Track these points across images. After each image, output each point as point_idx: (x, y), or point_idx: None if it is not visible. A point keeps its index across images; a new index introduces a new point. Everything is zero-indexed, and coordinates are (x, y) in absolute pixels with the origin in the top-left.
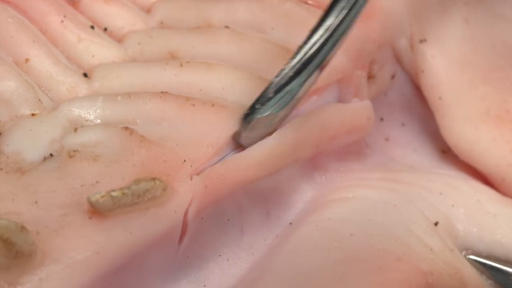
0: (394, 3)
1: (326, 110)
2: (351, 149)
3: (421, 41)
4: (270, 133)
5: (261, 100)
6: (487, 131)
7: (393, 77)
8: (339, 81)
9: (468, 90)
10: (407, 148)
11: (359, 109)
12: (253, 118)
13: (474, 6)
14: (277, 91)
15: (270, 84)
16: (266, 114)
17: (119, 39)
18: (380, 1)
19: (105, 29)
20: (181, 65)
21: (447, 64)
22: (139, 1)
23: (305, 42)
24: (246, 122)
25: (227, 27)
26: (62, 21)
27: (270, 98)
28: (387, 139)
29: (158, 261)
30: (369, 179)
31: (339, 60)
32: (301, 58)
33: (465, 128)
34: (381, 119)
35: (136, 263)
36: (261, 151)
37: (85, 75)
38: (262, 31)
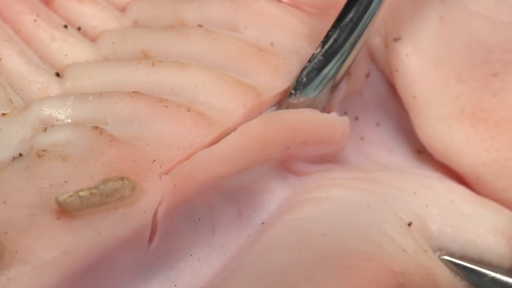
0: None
1: (299, 112)
2: (322, 161)
3: (395, 40)
4: None
5: (296, 85)
6: (462, 130)
7: (367, 75)
8: None
9: (443, 89)
10: (383, 148)
11: (334, 121)
12: (289, 103)
13: (449, 4)
14: (308, 76)
15: (303, 69)
16: (301, 98)
17: (92, 39)
18: None
19: (79, 28)
20: (153, 64)
21: (422, 63)
22: (113, 0)
23: (334, 26)
24: (285, 104)
25: (200, 26)
26: (35, 20)
27: (304, 83)
28: (362, 138)
29: (128, 261)
30: (343, 178)
31: None
32: (332, 43)
33: (440, 127)
34: (356, 118)
35: (105, 263)
36: (228, 146)
37: (58, 74)
38: (236, 30)
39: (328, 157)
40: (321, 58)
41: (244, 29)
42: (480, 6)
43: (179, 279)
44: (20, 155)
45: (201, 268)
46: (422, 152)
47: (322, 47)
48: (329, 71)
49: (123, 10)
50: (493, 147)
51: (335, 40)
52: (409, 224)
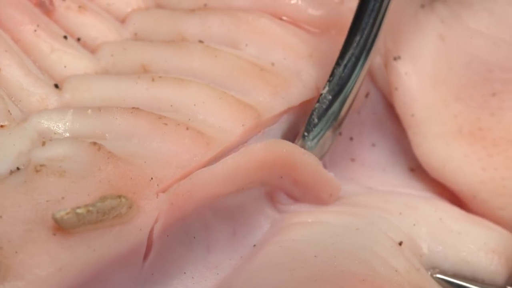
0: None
1: (304, 154)
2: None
3: (395, 59)
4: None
5: (308, 127)
6: (460, 148)
7: (366, 95)
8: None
9: (441, 107)
10: (376, 168)
11: (328, 182)
12: (304, 146)
13: (450, 22)
14: (319, 116)
15: (313, 110)
16: (315, 139)
17: (92, 50)
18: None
19: (79, 39)
20: (153, 80)
21: (421, 81)
22: (113, 11)
23: (338, 64)
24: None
25: (201, 41)
26: (35, 31)
27: (316, 124)
28: (353, 160)
29: (123, 279)
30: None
31: (311, 78)
32: (337, 81)
33: (437, 145)
34: (351, 139)
35: (100, 280)
36: (227, 166)
37: (57, 86)
38: (236, 47)
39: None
40: (329, 97)
41: (245, 46)
42: (480, 24)
43: None
44: (18, 168)
45: (194, 286)
46: (415, 171)
47: (329, 85)
48: (336, 108)
49: (123, 21)
50: (490, 165)
51: (340, 77)
52: (400, 244)
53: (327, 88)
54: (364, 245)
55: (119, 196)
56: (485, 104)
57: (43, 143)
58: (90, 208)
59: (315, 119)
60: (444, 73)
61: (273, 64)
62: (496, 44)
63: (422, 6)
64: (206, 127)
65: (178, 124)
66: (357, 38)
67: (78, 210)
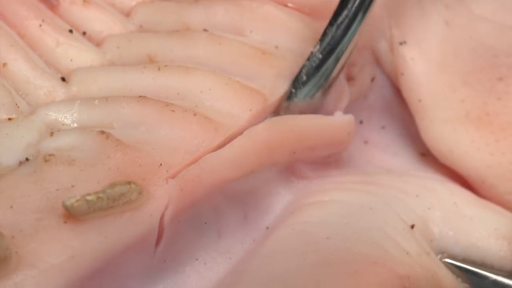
0: (374, 5)
1: (305, 118)
2: (329, 160)
3: (401, 44)
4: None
5: (296, 84)
6: (467, 133)
7: (373, 79)
8: None
9: (448, 93)
10: (387, 151)
11: (340, 123)
12: (290, 102)
13: (454, 8)
14: (308, 74)
15: (302, 68)
16: (302, 97)
17: (97, 43)
18: None
19: (84, 33)
20: (158, 69)
21: (427, 67)
22: (118, 5)
23: (331, 23)
24: (285, 106)
25: (205, 30)
26: (40, 25)
27: (304, 81)
28: (366, 142)
29: (135, 265)
30: (346, 182)
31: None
32: (329, 40)
33: (445, 130)
34: (361, 122)
35: (112, 267)
36: (234, 150)
37: (63, 79)
38: (241, 34)
39: (333, 157)
40: (320, 56)
41: (250, 33)
42: (485, 10)
43: (184, 283)
44: (27, 159)
45: (207, 272)
46: (426, 155)
47: (320, 45)
48: (327, 68)
49: (128, 14)
50: (498, 150)
51: (332, 37)
52: (412, 227)
53: (317, 47)
54: (377, 226)
55: (129, 183)
56: (491, 88)
57: (51, 134)
58: (100, 195)
59: (304, 77)
60: (450, 58)
61: (277, 47)
62: (501, 30)
63: None
64: (213, 113)
65: (185, 111)
66: (351, 1)
67: (88, 197)
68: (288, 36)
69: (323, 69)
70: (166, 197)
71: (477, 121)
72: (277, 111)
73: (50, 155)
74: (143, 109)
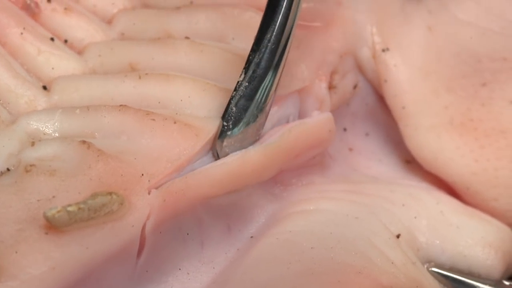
0: (356, 11)
1: (291, 131)
2: (313, 162)
3: (383, 50)
4: (247, 145)
5: (227, 116)
6: (451, 140)
7: (355, 87)
8: (299, 91)
9: (432, 99)
10: (372, 159)
11: (321, 122)
12: (225, 138)
13: (437, 13)
14: (237, 104)
15: (231, 99)
16: (237, 131)
17: (79, 51)
18: (341, 10)
19: (66, 41)
20: (139, 77)
21: (410, 73)
22: (100, 13)
23: (253, 50)
24: (220, 142)
25: (187, 38)
26: (21, 33)
27: (234, 113)
28: (350, 149)
29: (117, 276)
30: (331, 191)
31: (299, 69)
32: (254, 68)
33: (429, 137)
34: (344, 129)
35: (94, 278)
36: (223, 170)
37: (45, 87)
38: (223, 41)
39: (317, 158)
40: (247, 84)
41: (232, 40)
42: (468, 14)
43: None
44: (8, 169)
45: (190, 282)
46: (411, 163)
47: (245, 73)
48: (260, 97)
49: (109, 22)
50: (482, 157)
51: (257, 64)
52: (398, 236)
53: (243, 75)
54: (362, 235)
55: (110, 193)
56: (475, 94)
57: (33, 144)
58: (81, 206)
59: (233, 108)
60: (433, 64)
61: None
62: (485, 34)
63: None
64: (193, 119)
65: (166, 119)
66: (272, 23)
67: (69, 208)
68: None
69: (255, 99)
70: (148, 208)
71: (461, 127)
72: (213, 149)
73: (31, 165)
74: (124, 118)
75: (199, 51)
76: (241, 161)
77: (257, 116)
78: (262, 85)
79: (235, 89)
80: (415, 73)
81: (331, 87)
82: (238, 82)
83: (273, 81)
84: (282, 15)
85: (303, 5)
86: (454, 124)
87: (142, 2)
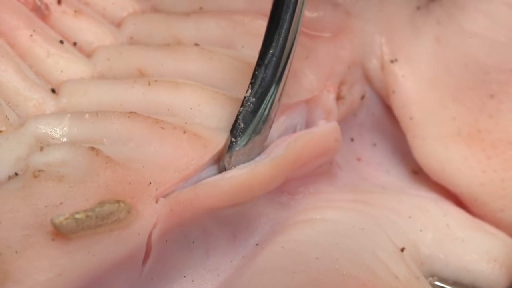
0: (365, 22)
1: (297, 142)
2: (320, 171)
3: (392, 61)
4: (253, 157)
5: (235, 132)
6: (459, 151)
7: (363, 97)
8: (307, 101)
9: (440, 110)
10: (379, 170)
11: (327, 132)
12: (233, 151)
13: (445, 24)
14: (245, 120)
15: (238, 114)
16: (243, 144)
17: (88, 54)
18: (350, 20)
19: (75, 44)
20: (149, 84)
21: (418, 84)
22: (109, 16)
23: (258, 65)
24: (227, 156)
25: (197, 44)
26: (31, 36)
27: (242, 128)
28: (359, 159)
29: (122, 283)
30: (338, 200)
31: (307, 80)
32: (260, 82)
33: (437, 148)
34: (352, 140)
35: (100, 285)
36: (233, 183)
37: (53, 90)
38: (232, 49)
39: (324, 166)
40: (253, 99)
41: (241, 48)
42: (476, 26)
43: None
44: (16, 174)
45: None
46: (418, 173)
47: (252, 88)
48: (264, 110)
49: (118, 25)
50: (490, 167)
51: (263, 79)
52: (402, 250)
53: (249, 91)
54: (367, 247)
55: (118, 201)
56: (483, 106)
57: (41, 148)
58: (89, 213)
59: (241, 123)
60: (441, 75)
61: None
62: (492, 45)
63: (418, 8)
64: (202, 129)
65: (175, 128)
66: (276, 36)
67: (77, 216)
68: None
69: (258, 112)
70: (155, 216)
71: (469, 138)
72: (220, 160)
73: (39, 170)
74: (133, 125)
75: (208, 58)
76: (250, 174)
77: (261, 129)
78: (266, 98)
79: (242, 105)
80: (423, 84)
81: (339, 97)
82: (245, 97)
83: (276, 93)
84: (285, 29)
85: (313, 15)
86: (462, 135)
87: (151, 6)
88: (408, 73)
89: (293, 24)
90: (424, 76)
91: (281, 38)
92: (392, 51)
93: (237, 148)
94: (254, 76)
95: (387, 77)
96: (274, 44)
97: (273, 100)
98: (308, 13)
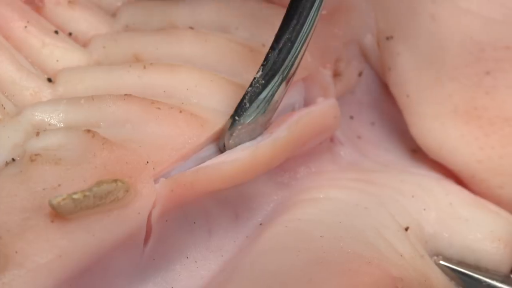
0: (360, 0)
1: (298, 122)
2: (322, 149)
3: (387, 38)
4: (254, 137)
5: (239, 111)
6: (456, 128)
7: (360, 74)
8: (304, 79)
9: (436, 87)
10: (379, 148)
11: (325, 109)
12: (235, 129)
13: (440, 2)
14: (251, 100)
15: (245, 94)
16: (246, 123)
17: (84, 43)
18: None
19: (70, 34)
20: (144, 67)
21: (414, 62)
22: (104, 5)
23: (273, 48)
24: (229, 133)
25: (191, 28)
26: (25, 27)
27: (247, 108)
28: (359, 137)
29: (124, 263)
30: (342, 179)
31: (303, 58)
32: (272, 65)
33: (433, 125)
34: (351, 117)
35: (101, 266)
36: (235, 167)
37: (50, 80)
38: (227, 31)
39: (323, 144)
40: (263, 81)
41: (235, 30)
42: (471, 3)
43: (175, 281)
44: (13, 160)
45: (198, 270)
46: (417, 152)
47: (263, 70)
48: (268, 93)
49: (114, 14)
50: (487, 144)
51: (275, 62)
52: (406, 229)
53: (260, 73)
54: (371, 226)
55: (115, 180)
56: (479, 82)
57: (37, 134)
58: (87, 193)
59: (247, 103)
60: (437, 52)
61: (263, 45)
62: (487, 23)
63: None
64: (199, 109)
65: (171, 108)
66: (294, 22)
67: (75, 196)
68: (274, 33)
69: (264, 94)
70: (154, 195)
71: (466, 115)
72: (220, 138)
73: (36, 154)
74: (129, 107)
75: (203, 40)
76: (252, 156)
77: (266, 109)
78: (275, 81)
79: (251, 85)
80: (419, 61)
81: (336, 74)
82: (254, 78)
83: (285, 78)
84: (304, 16)
85: None
86: (459, 112)
87: None
88: (404, 50)
89: (312, 12)
90: (420, 53)
91: (298, 25)
92: (388, 28)
93: (239, 127)
94: (266, 58)
95: (383, 54)
96: (291, 29)
97: (280, 84)
98: None
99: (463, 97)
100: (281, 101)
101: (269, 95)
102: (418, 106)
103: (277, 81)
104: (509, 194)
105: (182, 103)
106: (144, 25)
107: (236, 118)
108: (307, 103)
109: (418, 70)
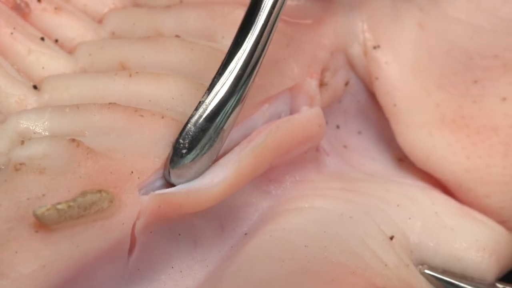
0: (347, 8)
1: (279, 128)
2: (306, 158)
3: (374, 48)
4: (200, 173)
5: (184, 134)
6: (443, 138)
7: (347, 83)
8: (290, 89)
9: (423, 96)
10: (365, 157)
11: (309, 117)
12: (180, 163)
13: (428, 10)
14: (197, 124)
15: (190, 118)
16: (193, 157)
17: (70, 50)
18: (332, 6)
19: (56, 41)
20: (130, 76)
21: (402, 71)
22: (90, 12)
23: (220, 73)
24: (173, 167)
25: (177, 36)
26: (11, 33)
27: (192, 132)
28: (345, 146)
29: (108, 274)
30: (327, 188)
31: (289, 67)
32: (219, 89)
33: (420, 134)
34: (337, 127)
35: (85, 276)
36: (224, 186)
37: (35, 87)
38: (213, 40)
39: (308, 153)
40: (208, 105)
41: (222, 38)
42: (459, 12)
43: None
44: None
45: (183, 280)
46: (403, 161)
47: (208, 94)
48: (220, 120)
49: (100, 21)
50: (474, 154)
51: (221, 88)
52: (391, 238)
53: (206, 96)
54: (356, 235)
55: (100, 191)
56: (467, 91)
57: (22, 142)
58: (71, 204)
59: (192, 127)
60: (424, 61)
61: None
62: (476, 31)
63: None
64: (182, 116)
65: (154, 115)
66: (240, 53)
67: (59, 206)
68: None
69: (217, 120)
70: (138, 205)
71: (453, 124)
72: (165, 171)
73: (21, 164)
74: (113, 116)
75: (189, 49)
76: (237, 172)
77: (214, 141)
78: (224, 109)
79: (196, 109)
80: (406, 70)
81: (322, 84)
82: (200, 102)
83: (234, 108)
84: (254, 42)
85: (293, 2)
86: (446, 121)
87: (132, 1)
88: (391, 59)
89: (262, 40)
90: (407, 62)
91: (246, 52)
92: (375, 37)
93: (186, 162)
94: (212, 82)
95: (370, 63)
96: (238, 55)
97: (229, 113)
98: (289, 0)
99: (451, 106)
100: (228, 135)
101: (219, 126)
102: (405, 115)
103: (225, 111)
104: (496, 203)
105: (167, 110)
106: (131, 32)
107: (181, 141)
108: (293, 112)
109: (405, 79)
